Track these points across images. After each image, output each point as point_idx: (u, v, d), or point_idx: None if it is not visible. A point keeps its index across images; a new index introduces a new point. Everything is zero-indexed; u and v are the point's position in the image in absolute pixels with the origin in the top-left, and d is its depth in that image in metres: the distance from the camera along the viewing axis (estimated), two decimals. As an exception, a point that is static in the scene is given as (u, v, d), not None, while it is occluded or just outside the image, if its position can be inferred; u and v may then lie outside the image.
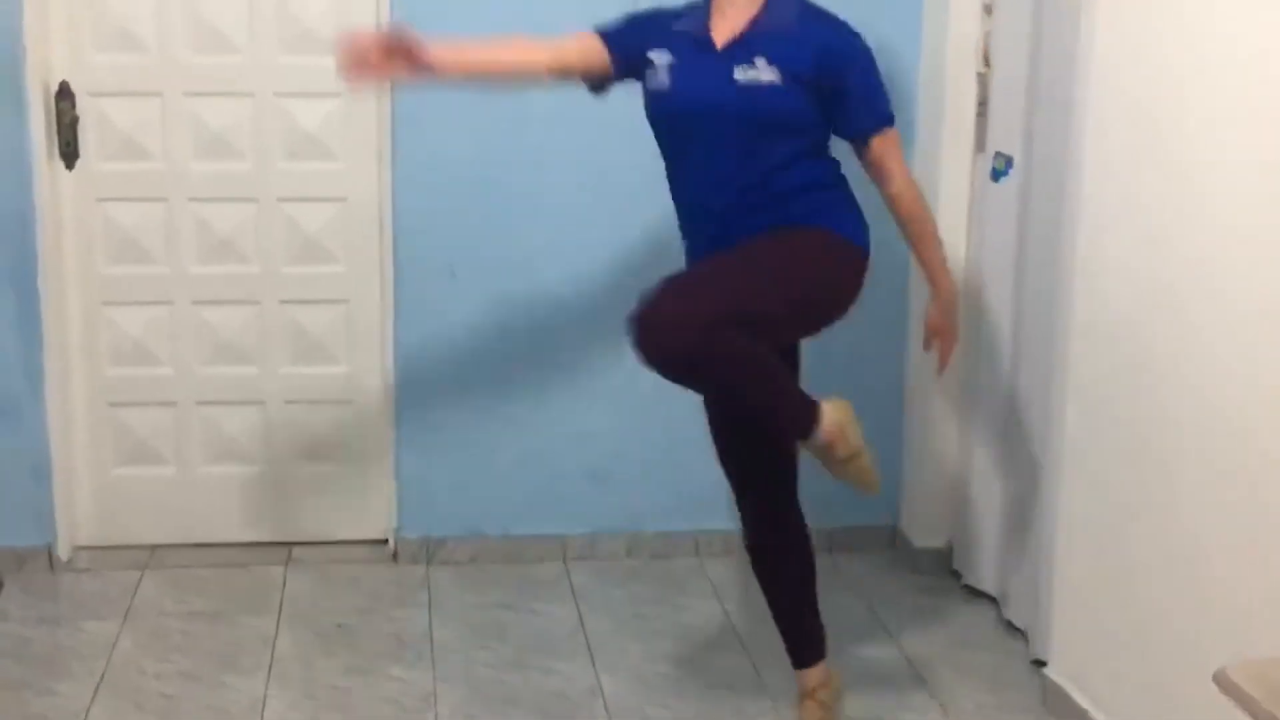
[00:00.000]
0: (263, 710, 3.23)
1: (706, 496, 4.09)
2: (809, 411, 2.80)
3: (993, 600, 3.78)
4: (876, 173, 2.95)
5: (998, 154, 3.62)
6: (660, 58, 2.90)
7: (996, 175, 3.63)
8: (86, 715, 3.19)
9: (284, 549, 4.04)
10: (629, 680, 3.41)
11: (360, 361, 4.02)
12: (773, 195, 2.86)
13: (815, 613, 3.15)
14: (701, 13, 2.92)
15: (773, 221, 2.86)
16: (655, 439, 4.05)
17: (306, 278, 3.96)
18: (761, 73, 2.80)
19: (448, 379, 3.98)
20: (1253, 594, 2.61)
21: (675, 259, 3.05)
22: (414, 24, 3.03)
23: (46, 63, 3.74)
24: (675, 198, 2.98)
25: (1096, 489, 3.12)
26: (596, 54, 2.96)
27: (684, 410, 4.02)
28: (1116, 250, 3.01)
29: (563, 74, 3.00)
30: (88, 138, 3.82)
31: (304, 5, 3.82)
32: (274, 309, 3.97)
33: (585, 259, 3.93)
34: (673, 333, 2.63)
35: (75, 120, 3.79)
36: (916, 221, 2.99)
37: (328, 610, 3.75)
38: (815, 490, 4.04)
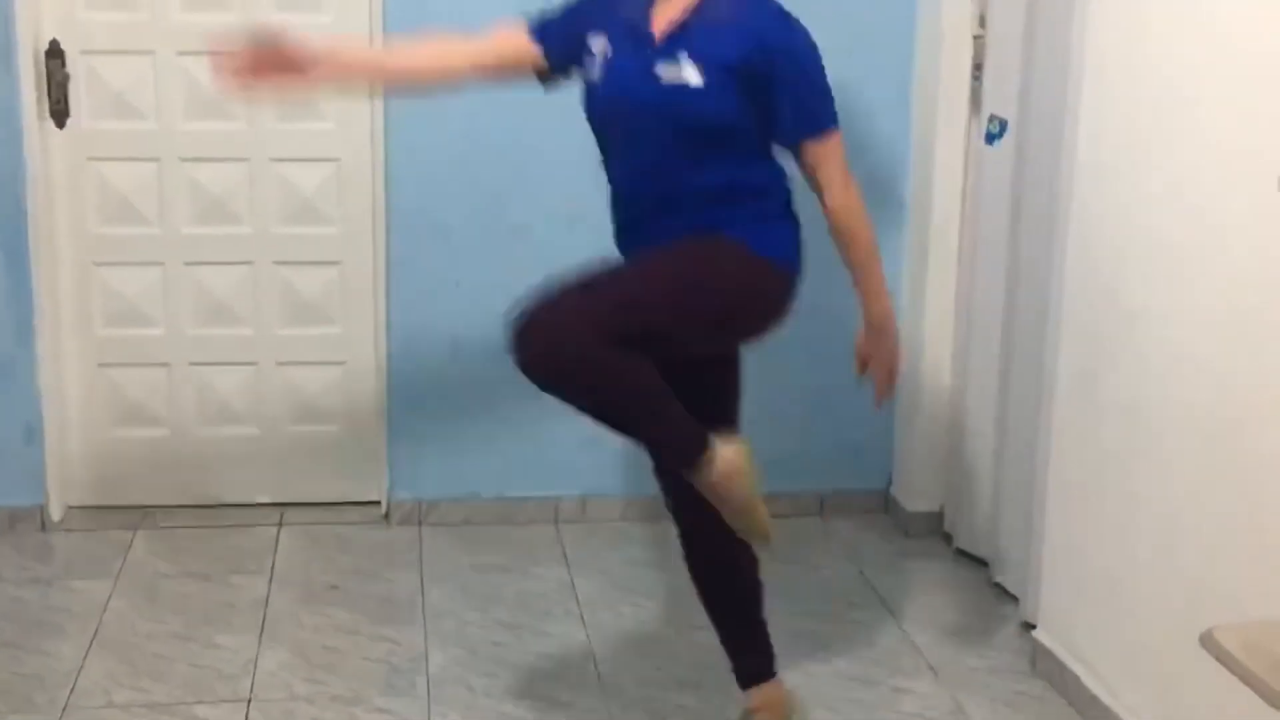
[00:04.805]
0: (255, 669, 3.24)
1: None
2: (694, 445, 2.53)
3: (983, 564, 3.79)
4: (813, 183, 2.65)
5: (992, 117, 3.61)
6: (598, 45, 2.67)
7: (991, 138, 3.61)
8: (79, 674, 3.20)
9: (276, 510, 4.04)
10: (619, 642, 3.42)
11: (353, 323, 4.01)
12: (690, 199, 2.62)
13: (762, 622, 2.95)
14: None
15: (688, 226, 2.62)
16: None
17: (299, 238, 3.95)
18: (684, 71, 2.55)
19: (441, 341, 3.98)
20: (1239, 557, 2.61)
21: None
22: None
23: (36, 20, 3.72)
24: (610, 187, 2.77)
25: (1087, 454, 3.13)
26: (524, 50, 2.73)
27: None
28: (1111, 213, 3.00)
29: (488, 75, 2.78)
30: (79, 96, 3.80)
31: (296, -36, 3.80)
32: (267, 270, 3.96)
33: (581, 224, 3.91)
34: (548, 342, 2.43)
35: (66, 79, 3.77)
36: (852, 242, 2.67)
37: (320, 571, 3.76)
38: (807, 453, 4.08)
